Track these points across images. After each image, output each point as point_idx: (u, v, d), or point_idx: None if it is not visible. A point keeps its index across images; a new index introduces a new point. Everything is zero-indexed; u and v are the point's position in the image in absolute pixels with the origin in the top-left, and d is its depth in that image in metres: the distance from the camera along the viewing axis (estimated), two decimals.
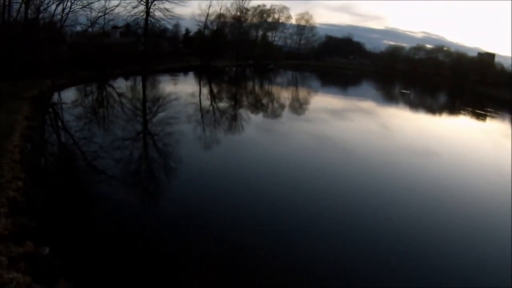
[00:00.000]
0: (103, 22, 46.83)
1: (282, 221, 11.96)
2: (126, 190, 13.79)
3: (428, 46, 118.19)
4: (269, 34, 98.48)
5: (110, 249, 9.20)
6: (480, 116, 48.63)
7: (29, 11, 33.93)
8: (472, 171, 21.53)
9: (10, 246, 7.97)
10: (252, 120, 29.37)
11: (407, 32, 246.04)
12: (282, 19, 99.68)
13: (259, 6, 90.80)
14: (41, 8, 34.33)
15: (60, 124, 23.02)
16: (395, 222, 12.85)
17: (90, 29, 45.60)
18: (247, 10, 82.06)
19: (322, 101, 47.36)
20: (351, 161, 20.15)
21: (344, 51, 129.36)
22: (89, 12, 41.29)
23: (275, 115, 33.69)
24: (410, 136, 30.64)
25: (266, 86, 59.00)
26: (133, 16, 50.53)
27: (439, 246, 11.42)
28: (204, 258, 8.52)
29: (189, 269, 8.13)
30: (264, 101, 42.51)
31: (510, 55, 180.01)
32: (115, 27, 60.02)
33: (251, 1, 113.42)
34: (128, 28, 61.29)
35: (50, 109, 26.46)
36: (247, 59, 78.24)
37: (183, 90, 41.02)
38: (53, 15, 36.83)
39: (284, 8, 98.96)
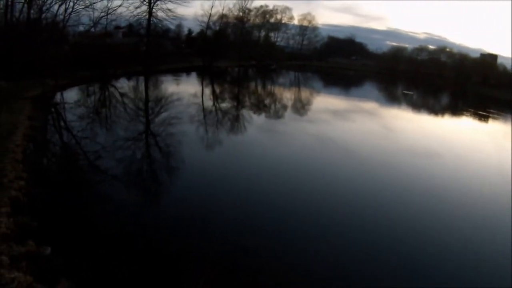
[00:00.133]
0: (105, 22, 47.24)
1: (283, 221, 11.96)
2: (128, 190, 13.80)
3: (431, 47, 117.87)
4: (272, 34, 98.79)
5: (111, 249, 9.19)
6: (483, 117, 48.49)
7: (32, 11, 34.11)
8: (474, 172, 21.45)
9: (12, 246, 7.98)
10: (255, 121, 29.32)
11: (409, 33, 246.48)
12: (284, 20, 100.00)
13: (261, 6, 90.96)
14: (44, 8, 34.61)
15: (62, 124, 23.06)
16: (396, 222, 12.83)
17: (92, 29, 45.84)
18: (250, 10, 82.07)
19: (325, 102, 47.24)
20: (353, 161, 20.14)
21: (347, 51, 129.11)
22: (91, 12, 41.64)
23: (277, 115, 33.65)
24: (412, 137, 30.55)
25: (268, 87, 58.94)
26: (135, 16, 50.59)
27: (440, 246, 11.39)
28: (206, 258, 8.49)
29: (191, 269, 8.13)
30: (267, 101, 42.42)
31: None
32: (117, 27, 60.04)
33: (254, 2, 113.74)
34: (131, 28, 61.28)
35: (53, 109, 26.54)
36: (250, 59, 78.12)
37: (186, 90, 41.00)
38: (56, 15, 37.14)
39: (286, 9, 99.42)
